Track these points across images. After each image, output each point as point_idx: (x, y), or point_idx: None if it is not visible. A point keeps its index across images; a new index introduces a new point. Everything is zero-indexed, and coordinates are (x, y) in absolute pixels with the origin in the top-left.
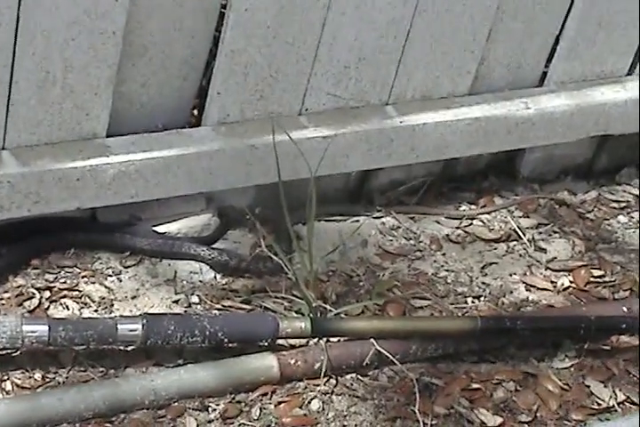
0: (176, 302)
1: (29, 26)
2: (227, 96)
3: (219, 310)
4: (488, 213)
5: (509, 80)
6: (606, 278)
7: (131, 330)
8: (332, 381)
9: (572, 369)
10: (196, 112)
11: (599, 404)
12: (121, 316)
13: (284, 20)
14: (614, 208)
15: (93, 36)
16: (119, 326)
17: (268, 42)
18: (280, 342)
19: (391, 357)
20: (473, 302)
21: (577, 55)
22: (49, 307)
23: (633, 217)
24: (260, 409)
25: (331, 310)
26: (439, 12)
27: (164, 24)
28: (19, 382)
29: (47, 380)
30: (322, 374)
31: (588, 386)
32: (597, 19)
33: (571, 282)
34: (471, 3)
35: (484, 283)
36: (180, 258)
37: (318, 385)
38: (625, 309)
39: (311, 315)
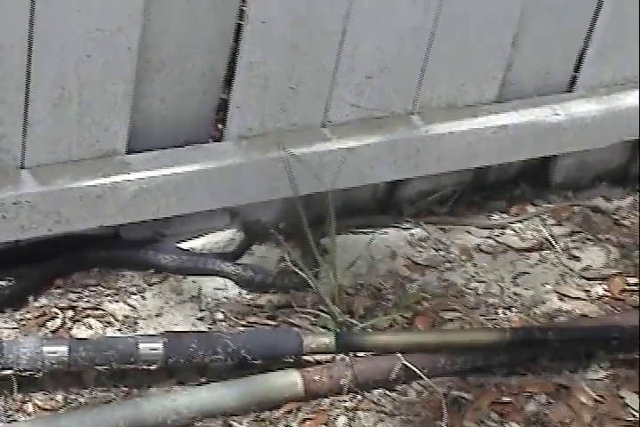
0: (200, 319)
1: (43, 44)
2: (247, 110)
3: (244, 326)
4: (520, 221)
5: (538, 86)
6: None
7: (152, 349)
8: (359, 397)
9: (606, 380)
10: (220, 126)
11: (634, 415)
12: (142, 335)
13: (303, 30)
14: None
15: (108, 52)
16: (140, 346)
17: (287, 53)
18: (305, 357)
19: (418, 371)
20: (504, 314)
21: (607, 59)
22: (72, 327)
23: None
24: None
25: (357, 325)
26: (461, 18)
27: (181, 38)
28: (40, 403)
29: (69, 401)
30: (347, 390)
31: (623, 397)
32: (627, 20)
33: (605, 290)
34: (494, 7)
35: (515, 293)
36: (204, 274)
37: (344, 401)
38: None
39: (337, 330)
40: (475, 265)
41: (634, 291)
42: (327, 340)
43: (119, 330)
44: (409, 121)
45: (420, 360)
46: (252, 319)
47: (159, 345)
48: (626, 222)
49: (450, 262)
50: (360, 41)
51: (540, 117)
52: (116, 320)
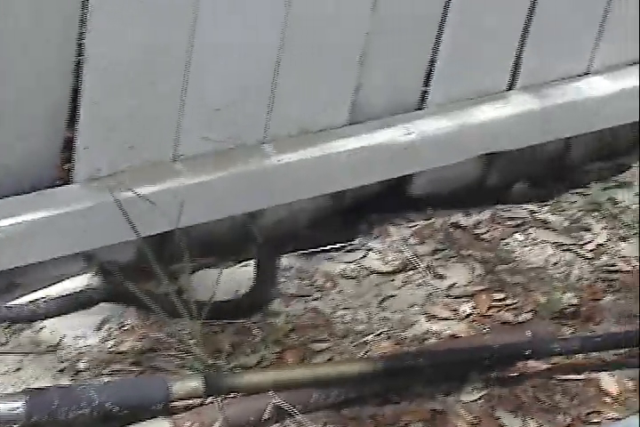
0: (62, 370)
1: None
2: (94, 150)
3: (108, 375)
4: (382, 243)
5: (389, 105)
6: (508, 301)
7: (11, 409)
8: None
9: (481, 401)
10: (68, 167)
11: None
12: (0, 394)
13: (146, 65)
14: (510, 226)
15: None
16: None
17: (132, 89)
18: (175, 403)
19: (291, 408)
20: (373, 340)
21: (454, 74)
22: None
23: (530, 234)
24: None
25: (225, 364)
26: (307, 44)
27: (21, 83)
28: None
29: None
30: None
31: (498, 418)
32: (471, 35)
33: (472, 308)
34: (338, 31)
35: (383, 318)
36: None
37: None
38: (529, 333)
39: (205, 372)
40: (340, 292)
41: (500, 307)
42: (195, 384)
43: None
44: (261, 151)
45: (293, 396)
46: (116, 367)
47: (20, 404)
48: (486, 237)
49: (315, 291)
50: (205, 73)
51: (393, 137)
52: None
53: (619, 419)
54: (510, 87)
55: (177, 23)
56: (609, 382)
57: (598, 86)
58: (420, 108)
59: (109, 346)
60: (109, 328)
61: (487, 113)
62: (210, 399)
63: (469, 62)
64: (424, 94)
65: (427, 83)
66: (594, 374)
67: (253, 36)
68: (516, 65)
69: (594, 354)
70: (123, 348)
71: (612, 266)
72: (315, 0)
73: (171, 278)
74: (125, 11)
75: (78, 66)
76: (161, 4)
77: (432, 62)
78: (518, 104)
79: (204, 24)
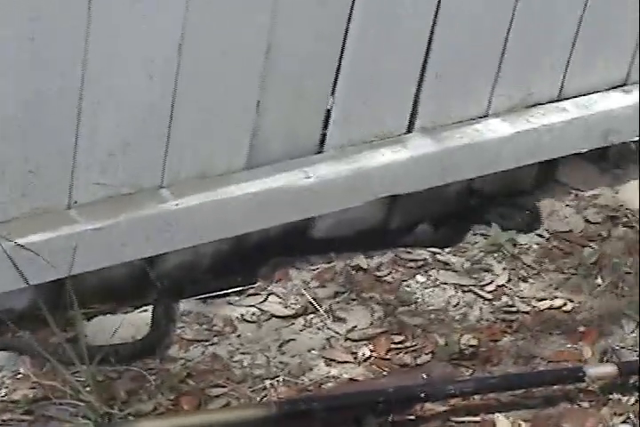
0: None
1: None
2: None
3: None
4: (283, 287)
5: (287, 149)
6: (407, 344)
7: None
8: None
9: None
10: None
11: None
12: None
13: (36, 112)
14: (411, 268)
15: None
16: None
17: (22, 137)
18: None
19: None
20: (272, 385)
21: (352, 117)
22: None
23: (431, 275)
24: None
25: (120, 412)
26: (200, 90)
27: None
28: None
29: None
30: None
31: None
32: (367, 78)
33: (371, 351)
34: (233, 74)
35: (282, 362)
36: None
37: None
38: (424, 375)
39: (98, 420)
40: (239, 336)
41: (399, 349)
42: None
43: None
44: (158, 195)
45: None
46: (7, 416)
47: None
48: (387, 279)
49: (214, 336)
50: (98, 119)
51: (292, 181)
52: None
53: None
54: (409, 130)
55: (67, 67)
56: (504, 423)
57: (496, 129)
58: (319, 152)
59: (2, 395)
60: (2, 377)
61: (386, 156)
62: None
63: (367, 105)
64: (323, 138)
65: (325, 126)
66: (489, 416)
67: (147, 80)
68: (415, 108)
69: (490, 395)
70: (15, 396)
71: (511, 307)
72: (208, 43)
73: (67, 325)
74: (16, 57)
75: None
76: (50, 48)
77: (330, 107)
78: (417, 147)
79: (95, 67)
